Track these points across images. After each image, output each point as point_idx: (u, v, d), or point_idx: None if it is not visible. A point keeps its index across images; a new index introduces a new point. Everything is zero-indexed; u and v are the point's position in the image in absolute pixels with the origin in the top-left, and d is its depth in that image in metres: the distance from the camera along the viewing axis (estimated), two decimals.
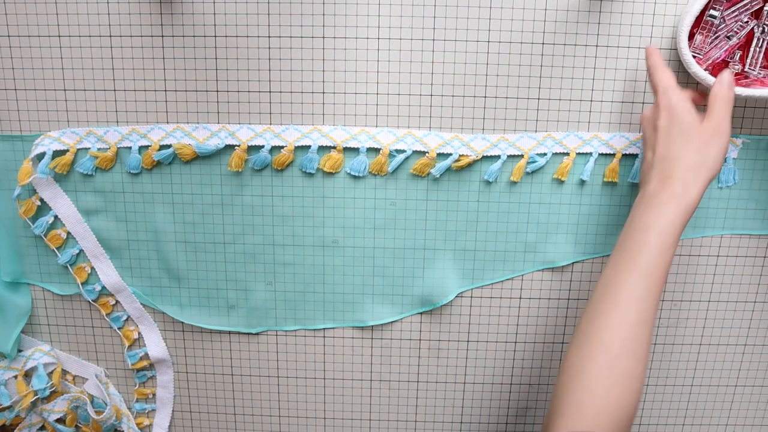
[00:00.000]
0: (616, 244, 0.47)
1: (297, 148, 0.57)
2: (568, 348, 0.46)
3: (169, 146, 0.57)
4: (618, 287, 0.44)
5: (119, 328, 0.63)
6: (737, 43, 0.52)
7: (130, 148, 0.58)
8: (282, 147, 0.57)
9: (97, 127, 0.57)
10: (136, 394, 0.65)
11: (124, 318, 0.62)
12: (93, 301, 0.62)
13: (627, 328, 0.43)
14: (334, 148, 0.57)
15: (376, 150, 0.57)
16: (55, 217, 0.59)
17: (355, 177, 0.58)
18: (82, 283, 0.61)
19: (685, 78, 0.56)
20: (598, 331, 0.43)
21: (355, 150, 0.57)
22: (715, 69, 0.53)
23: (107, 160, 0.58)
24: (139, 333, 0.63)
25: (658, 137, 0.48)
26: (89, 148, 0.58)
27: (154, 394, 0.65)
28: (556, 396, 0.44)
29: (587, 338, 0.44)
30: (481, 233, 0.60)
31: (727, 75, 0.48)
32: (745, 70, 0.53)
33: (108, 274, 0.61)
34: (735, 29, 0.52)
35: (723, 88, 0.48)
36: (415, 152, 0.57)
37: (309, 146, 0.57)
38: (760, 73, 0.53)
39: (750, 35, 0.52)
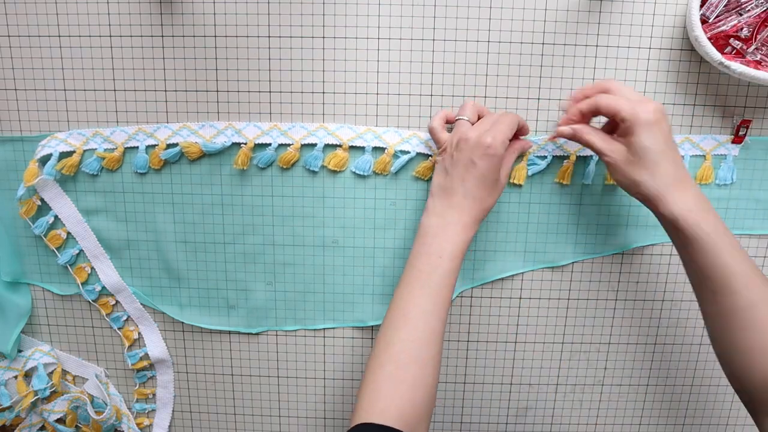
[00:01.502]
0: (408, 263, 0.51)
1: (303, 146, 0.57)
2: (371, 351, 0.49)
3: (175, 145, 0.57)
4: (409, 304, 0.49)
5: (119, 329, 0.63)
6: (746, 21, 0.52)
7: (137, 147, 0.58)
8: (288, 145, 0.57)
9: (104, 127, 0.57)
10: (136, 394, 0.65)
11: (124, 318, 0.62)
12: (93, 301, 0.62)
13: (414, 341, 0.48)
14: (340, 146, 0.57)
15: (382, 149, 0.57)
16: (56, 217, 0.59)
17: (355, 177, 0.58)
18: (82, 283, 0.61)
19: (689, 45, 0.56)
20: (389, 343, 0.48)
21: (361, 149, 0.57)
22: (718, 41, 0.53)
23: (114, 160, 0.58)
24: (139, 333, 0.63)
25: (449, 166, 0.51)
26: (96, 149, 0.58)
27: (154, 394, 0.65)
28: (359, 389, 0.48)
29: (380, 348, 0.49)
30: (481, 233, 0.60)
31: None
32: (748, 51, 0.52)
33: (108, 274, 0.61)
34: (748, 7, 0.51)
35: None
36: (419, 154, 0.57)
37: (315, 144, 0.57)
38: (755, 55, 0.52)
39: (762, 15, 0.52)
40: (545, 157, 0.57)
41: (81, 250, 0.61)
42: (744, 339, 0.46)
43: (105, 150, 0.58)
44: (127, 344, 0.63)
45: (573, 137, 0.51)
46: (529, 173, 0.57)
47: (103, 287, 0.61)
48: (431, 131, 0.54)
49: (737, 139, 0.57)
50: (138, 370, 0.64)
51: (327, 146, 0.57)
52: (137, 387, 0.65)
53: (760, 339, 0.45)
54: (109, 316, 0.62)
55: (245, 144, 0.57)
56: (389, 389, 0.46)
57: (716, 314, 0.48)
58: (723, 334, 0.48)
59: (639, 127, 0.47)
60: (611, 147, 0.49)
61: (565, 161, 0.57)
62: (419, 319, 0.48)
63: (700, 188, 0.48)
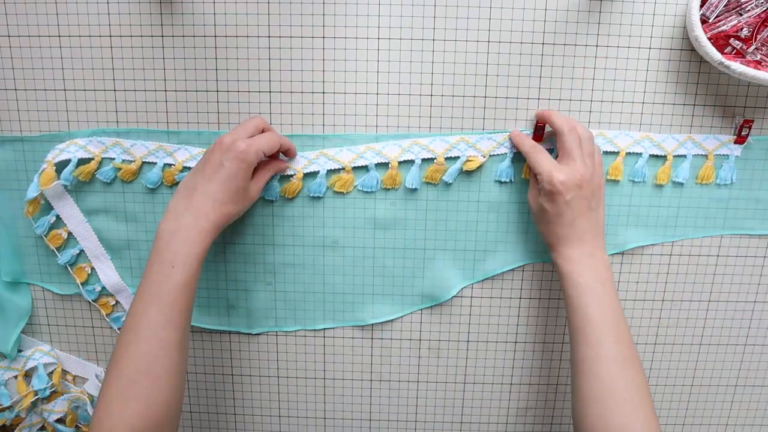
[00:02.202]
0: (144, 272, 0.49)
1: (305, 174, 0.58)
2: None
3: (190, 168, 0.57)
4: (139, 319, 0.48)
5: (119, 329, 0.63)
6: (746, 21, 0.52)
7: (154, 164, 0.58)
8: (291, 176, 0.57)
9: (125, 137, 0.57)
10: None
11: (124, 318, 0.62)
12: (93, 301, 0.62)
13: (144, 356, 0.47)
14: (343, 169, 0.57)
15: (385, 164, 0.57)
16: (57, 216, 0.59)
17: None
18: (82, 284, 0.61)
19: (689, 45, 0.56)
20: (119, 359, 0.47)
21: (364, 168, 0.57)
22: (718, 41, 0.53)
23: (130, 173, 0.58)
24: None
25: None
26: (114, 159, 0.58)
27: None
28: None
29: (111, 365, 0.48)
30: (481, 233, 0.60)
31: None
32: (748, 51, 0.52)
33: (108, 274, 0.61)
34: (748, 7, 0.51)
35: None
36: (424, 160, 0.57)
37: (317, 172, 0.57)
38: (755, 55, 0.52)
39: (762, 15, 0.52)
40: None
41: (81, 251, 0.61)
42: (581, 387, 0.49)
43: (123, 161, 0.58)
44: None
45: (521, 147, 0.55)
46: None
47: (103, 287, 0.61)
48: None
49: (740, 139, 0.57)
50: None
51: (330, 171, 0.58)
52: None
53: (597, 389, 0.48)
54: (109, 316, 0.62)
55: None
56: (118, 406, 0.46)
57: (572, 361, 0.51)
58: (572, 381, 0.51)
59: (543, 191, 0.52)
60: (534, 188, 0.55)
61: None
62: (150, 334, 0.47)
63: (601, 246, 0.52)
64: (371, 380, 0.64)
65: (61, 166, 0.57)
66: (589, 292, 0.50)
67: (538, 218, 0.54)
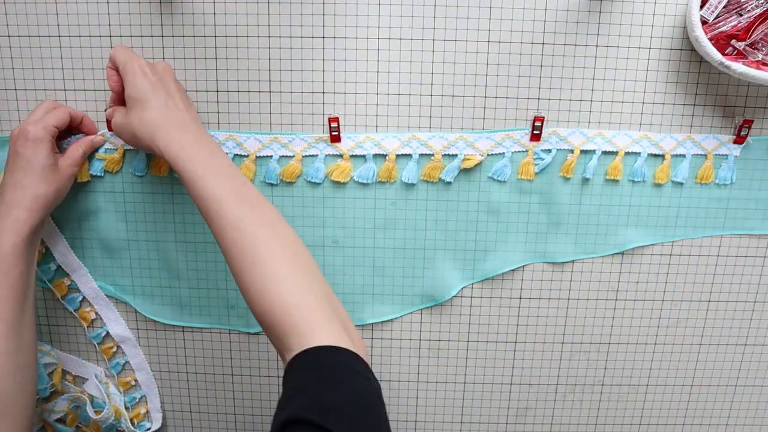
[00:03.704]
0: None
1: (304, 157, 0.58)
2: None
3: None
4: None
5: (75, 310, 0.62)
6: (747, 22, 0.52)
7: (136, 151, 0.58)
8: (291, 157, 0.57)
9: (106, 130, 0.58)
10: (121, 385, 0.65)
11: (80, 299, 0.62)
12: (48, 281, 0.61)
13: None
14: (341, 156, 0.57)
15: (383, 156, 0.57)
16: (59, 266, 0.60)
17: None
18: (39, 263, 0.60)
19: (689, 45, 0.56)
20: None
21: (362, 157, 0.57)
22: (718, 42, 0.53)
23: (114, 162, 0.58)
24: (96, 313, 0.63)
25: None
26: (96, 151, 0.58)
27: (135, 380, 0.65)
28: None
29: None
30: (481, 233, 0.60)
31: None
32: (744, 47, 0.52)
33: (63, 253, 0.61)
34: (748, 8, 0.51)
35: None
36: (421, 155, 0.57)
37: (316, 155, 0.57)
38: (756, 55, 0.52)
39: (764, 15, 0.52)
40: (549, 150, 0.57)
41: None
42: (233, 266, 0.45)
43: (105, 151, 0.58)
44: (85, 325, 0.62)
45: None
46: (537, 170, 0.57)
47: (59, 267, 0.61)
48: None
49: (739, 140, 0.57)
50: (110, 360, 0.64)
51: (328, 156, 0.57)
52: (117, 378, 0.64)
53: (246, 264, 0.44)
54: (65, 298, 0.62)
55: (247, 157, 0.57)
56: None
57: (221, 248, 0.46)
58: (230, 267, 0.46)
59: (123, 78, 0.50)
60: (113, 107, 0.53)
61: (569, 155, 0.57)
62: None
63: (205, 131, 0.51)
64: None
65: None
66: (196, 168, 0.47)
67: (127, 127, 0.51)
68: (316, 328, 0.41)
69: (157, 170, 0.58)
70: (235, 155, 0.57)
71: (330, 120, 0.56)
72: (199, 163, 0.47)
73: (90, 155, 0.58)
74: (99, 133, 0.57)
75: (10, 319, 0.50)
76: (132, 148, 0.57)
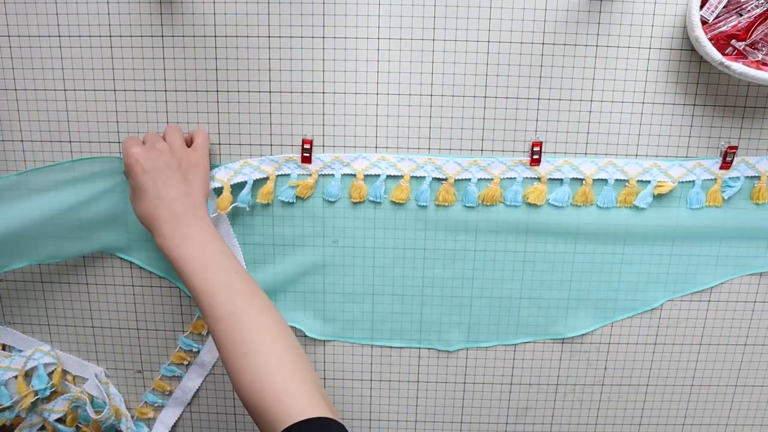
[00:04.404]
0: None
1: (320, 176, 0.58)
2: None
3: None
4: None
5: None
6: (747, 22, 0.52)
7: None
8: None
9: (266, 153, 0.58)
10: (155, 385, 0.64)
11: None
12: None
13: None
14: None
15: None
16: None
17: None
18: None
19: (689, 45, 0.56)
20: None
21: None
22: (718, 42, 0.53)
23: (307, 187, 0.58)
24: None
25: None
26: (289, 174, 0.58)
27: (171, 392, 0.65)
28: None
29: None
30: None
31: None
32: (744, 47, 0.52)
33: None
34: (748, 8, 0.51)
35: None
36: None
37: (332, 175, 0.58)
38: (756, 55, 0.52)
39: (764, 15, 0.52)
40: (738, 178, 0.58)
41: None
42: (224, 354, 0.47)
43: (298, 177, 0.58)
44: (192, 332, 0.63)
45: None
46: (725, 196, 0.58)
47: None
48: None
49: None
50: (171, 363, 0.64)
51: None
52: (160, 378, 0.64)
53: (238, 354, 0.45)
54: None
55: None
56: None
57: (213, 337, 0.48)
58: (220, 354, 0.47)
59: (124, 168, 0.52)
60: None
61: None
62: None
63: (207, 220, 0.52)
64: (371, 380, 0.64)
65: (236, 188, 0.58)
66: (191, 261, 0.49)
67: (132, 200, 0.53)
68: (307, 410, 0.42)
69: (357, 196, 0.58)
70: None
71: (534, 144, 0.56)
72: (189, 258, 0.49)
73: (280, 181, 0.58)
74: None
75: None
76: (325, 173, 0.58)
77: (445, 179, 0.57)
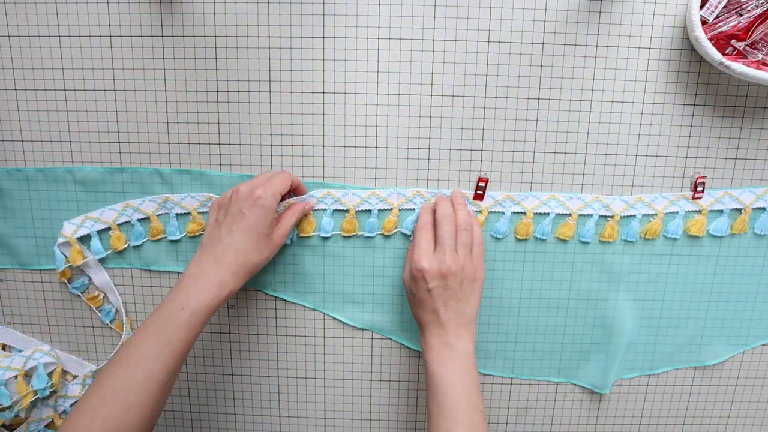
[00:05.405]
0: (155, 309, 0.50)
1: (316, 211, 0.59)
2: None
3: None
4: (136, 347, 0.48)
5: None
6: (747, 22, 0.52)
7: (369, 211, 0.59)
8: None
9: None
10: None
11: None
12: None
13: (124, 381, 0.46)
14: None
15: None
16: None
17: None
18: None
19: (689, 45, 0.56)
20: (103, 377, 0.47)
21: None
22: (718, 42, 0.53)
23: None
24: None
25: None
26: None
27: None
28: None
29: (96, 379, 0.48)
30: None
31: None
32: (744, 47, 0.52)
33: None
34: (748, 8, 0.51)
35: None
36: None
37: (325, 209, 0.58)
38: (756, 55, 0.52)
39: (764, 15, 0.52)
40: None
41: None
42: None
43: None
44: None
45: (419, 220, 0.56)
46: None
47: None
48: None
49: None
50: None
51: (336, 212, 0.58)
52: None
53: None
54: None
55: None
56: (84, 423, 0.45)
57: None
58: None
59: (410, 273, 0.53)
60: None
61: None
62: (138, 363, 0.47)
63: (463, 336, 0.52)
64: (371, 380, 0.64)
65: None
66: (444, 384, 0.50)
67: (408, 299, 0.55)
68: None
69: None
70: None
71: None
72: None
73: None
74: (309, 195, 0.57)
75: (173, 369, 0.48)
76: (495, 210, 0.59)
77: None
